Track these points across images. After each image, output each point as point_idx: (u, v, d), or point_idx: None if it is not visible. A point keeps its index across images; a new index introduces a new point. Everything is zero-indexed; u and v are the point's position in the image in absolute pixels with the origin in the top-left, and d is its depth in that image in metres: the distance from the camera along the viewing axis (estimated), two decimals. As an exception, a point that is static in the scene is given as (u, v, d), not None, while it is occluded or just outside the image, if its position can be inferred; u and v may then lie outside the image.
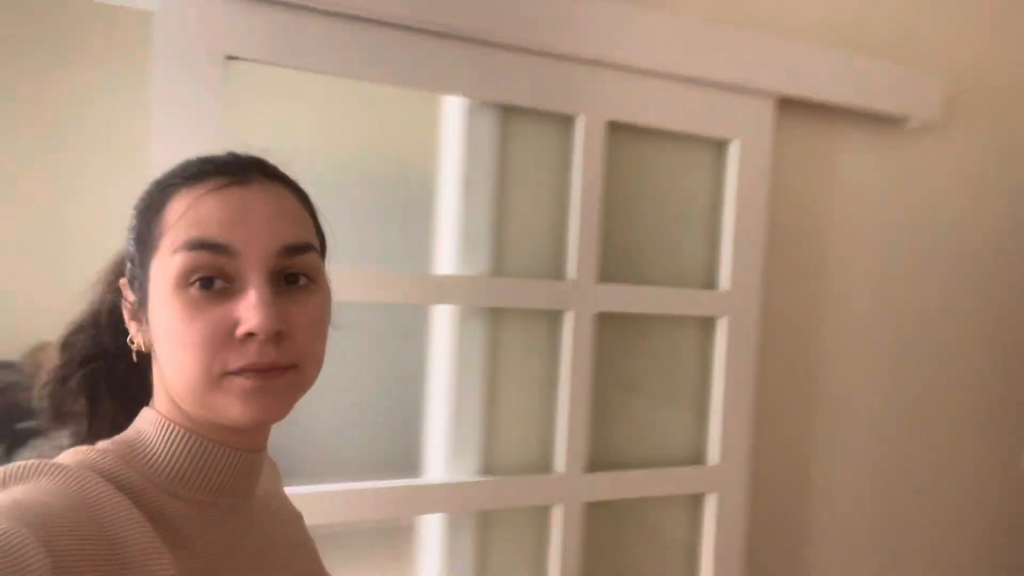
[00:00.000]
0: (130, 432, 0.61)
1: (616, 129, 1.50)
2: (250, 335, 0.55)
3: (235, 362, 0.55)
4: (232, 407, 0.56)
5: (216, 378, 0.55)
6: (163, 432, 0.59)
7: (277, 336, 0.56)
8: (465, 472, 1.39)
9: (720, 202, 1.66)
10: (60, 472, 0.51)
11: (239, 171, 0.59)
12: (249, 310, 0.54)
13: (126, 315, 0.63)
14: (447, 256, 1.42)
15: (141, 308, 0.60)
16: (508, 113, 1.41)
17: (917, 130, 1.93)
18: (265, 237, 0.57)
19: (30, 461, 0.51)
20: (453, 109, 1.40)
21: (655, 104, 1.50)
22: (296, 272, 0.59)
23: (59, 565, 0.44)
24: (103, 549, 0.47)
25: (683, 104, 1.53)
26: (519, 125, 1.43)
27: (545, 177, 1.47)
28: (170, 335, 0.56)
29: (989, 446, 2.17)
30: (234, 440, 0.61)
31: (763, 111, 1.62)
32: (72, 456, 0.56)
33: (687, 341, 1.66)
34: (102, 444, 0.59)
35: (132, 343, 0.62)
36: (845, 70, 1.68)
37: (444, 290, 1.34)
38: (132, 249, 0.61)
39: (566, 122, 1.45)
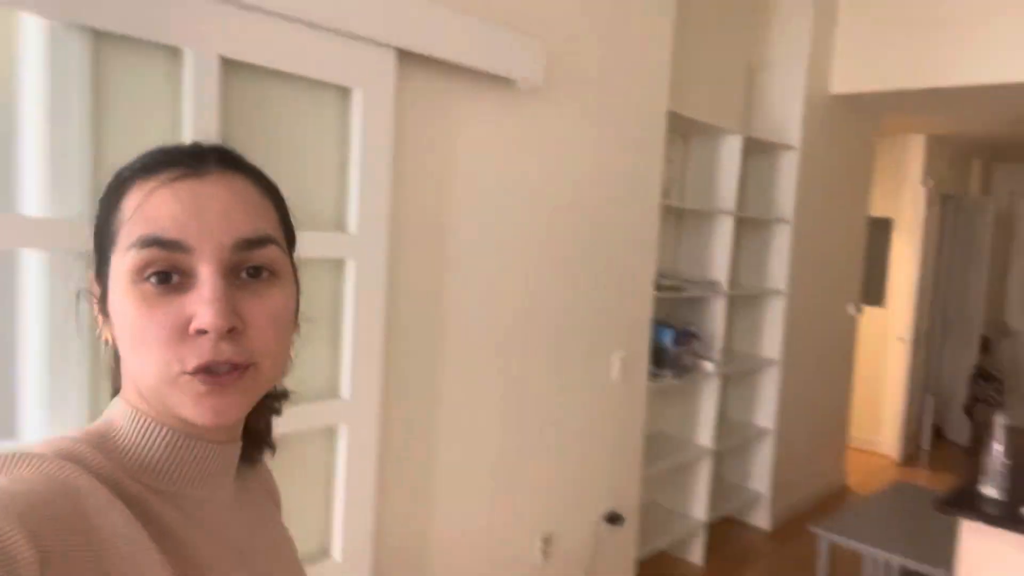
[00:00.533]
0: (101, 423, 0.58)
1: (233, 68, 1.47)
2: (202, 332, 0.53)
3: (191, 361, 0.53)
4: (187, 408, 0.54)
5: (174, 376, 0.53)
6: (135, 423, 0.57)
7: (231, 332, 0.54)
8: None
9: (347, 149, 1.72)
10: (39, 461, 0.49)
11: (195, 162, 0.56)
12: (200, 306, 0.52)
13: (94, 309, 0.59)
14: (34, 195, 1.27)
15: (103, 302, 0.57)
16: (102, 39, 1.29)
17: (525, 92, 2.20)
18: (219, 231, 0.54)
19: (6, 452, 0.49)
20: (33, 30, 1.25)
21: (274, 44, 1.49)
22: (257, 266, 0.56)
23: (45, 557, 0.42)
24: (87, 538, 0.46)
25: (303, 47, 1.55)
26: (116, 54, 1.32)
27: (153, 113, 1.39)
28: (128, 330, 0.54)
29: (586, 361, 2.61)
30: (206, 433, 0.59)
31: (384, 62, 1.71)
32: (47, 446, 0.52)
33: (318, 282, 1.72)
34: (74, 433, 0.55)
35: (99, 336, 0.59)
36: (460, 30, 1.84)
37: (30, 233, 1.21)
38: (95, 241, 0.58)
39: (174, 54, 1.38)
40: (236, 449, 0.63)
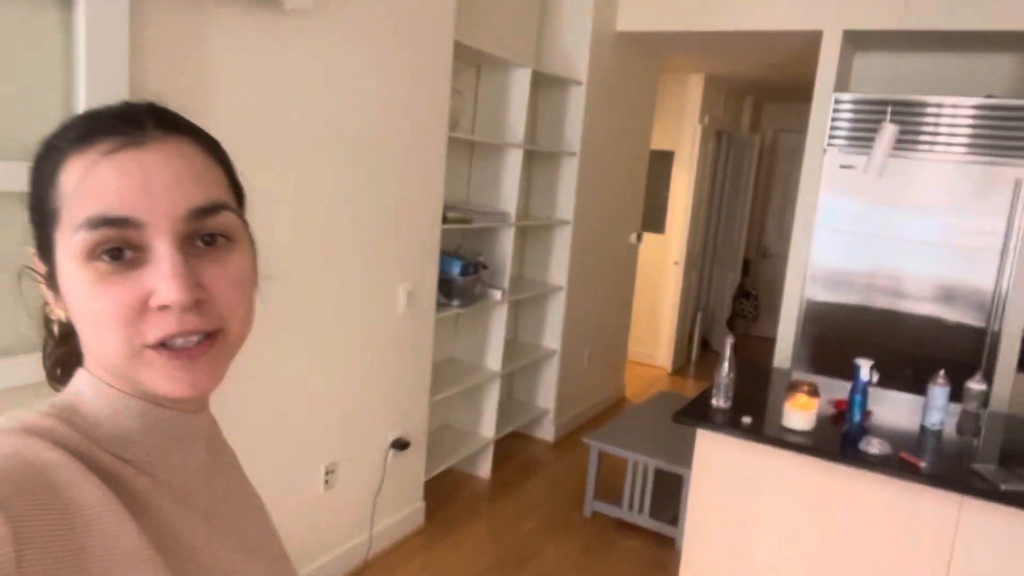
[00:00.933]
0: (68, 395, 0.56)
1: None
2: (165, 307, 0.51)
3: (153, 334, 0.51)
4: (160, 384, 0.52)
5: (137, 351, 0.51)
6: (103, 395, 0.55)
7: (196, 304, 0.52)
8: None
9: (72, 68, 1.55)
10: (3, 437, 0.48)
11: (132, 128, 0.52)
12: (161, 281, 0.50)
13: (41, 285, 0.56)
14: None
15: (51, 279, 0.54)
16: None
17: (293, 13, 2.08)
18: (169, 203, 0.51)
19: None
20: None
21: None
22: (212, 233, 0.54)
23: (18, 532, 0.42)
24: (60, 512, 0.45)
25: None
26: None
27: None
28: (83, 310, 0.51)
29: (372, 293, 2.63)
30: (178, 403, 0.57)
31: (118, -23, 1.53)
32: (11, 420, 0.50)
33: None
34: (41, 407, 0.53)
35: (52, 314, 0.58)
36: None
37: None
38: (33, 216, 0.55)
39: None
40: (207, 417, 0.63)
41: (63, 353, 0.61)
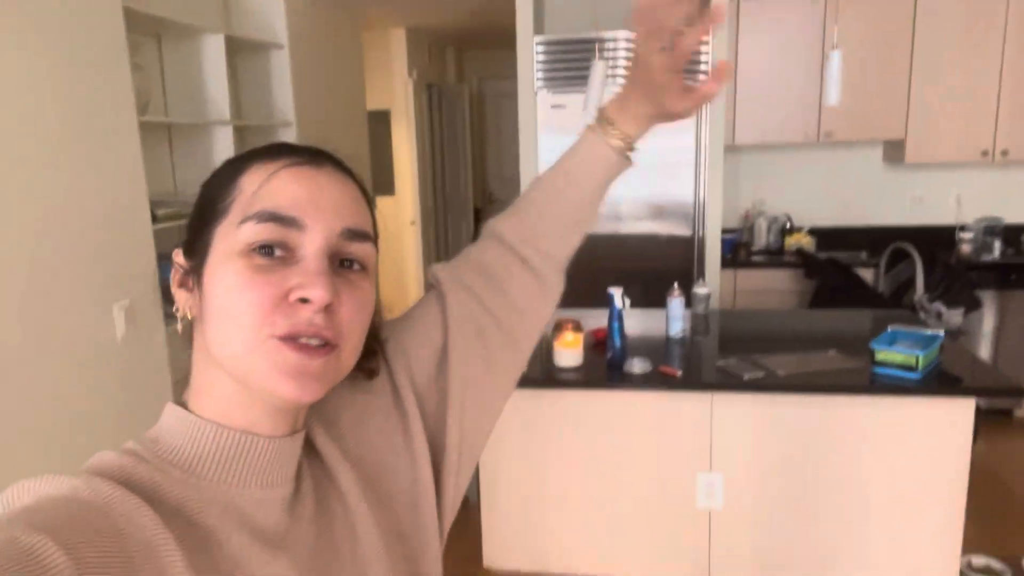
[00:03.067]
0: (154, 428, 0.59)
1: None
2: (303, 301, 0.54)
3: (282, 326, 0.54)
4: (270, 377, 0.54)
5: (262, 340, 0.54)
6: (186, 423, 0.58)
7: (327, 308, 0.55)
8: None
9: None
10: (66, 479, 0.50)
11: (312, 155, 0.60)
12: (307, 277, 0.54)
13: (174, 283, 0.61)
14: None
15: (193, 274, 0.58)
16: None
17: None
18: (331, 216, 0.57)
19: (29, 480, 0.50)
20: None
21: None
22: (352, 258, 0.59)
23: (80, 565, 0.43)
24: (118, 545, 0.46)
25: None
26: None
27: None
28: (227, 298, 0.55)
29: (81, 321, 2.20)
30: (267, 425, 0.58)
31: None
32: (89, 462, 0.54)
33: None
34: (127, 444, 0.57)
35: (176, 312, 0.61)
36: None
37: None
38: (195, 218, 0.60)
39: None
40: (297, 442, 0.61)
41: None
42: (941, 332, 2.23)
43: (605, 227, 3.75)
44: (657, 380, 2.28)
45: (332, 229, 0.57)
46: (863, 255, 4.08)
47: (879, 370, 2.18)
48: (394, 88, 5.61)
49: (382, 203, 5.71)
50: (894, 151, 4.02)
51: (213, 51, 3.10)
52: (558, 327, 2.38)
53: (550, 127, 3.67)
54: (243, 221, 0.55)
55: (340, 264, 0.58)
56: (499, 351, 0.75)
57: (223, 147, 3.16)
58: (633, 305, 3.22)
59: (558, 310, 3.30)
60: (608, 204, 3.71)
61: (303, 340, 0.54)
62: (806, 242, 4.09)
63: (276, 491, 0.59)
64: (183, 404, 0.60)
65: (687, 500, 2.43)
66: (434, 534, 0.68)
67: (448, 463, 0.70)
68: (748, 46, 3.86)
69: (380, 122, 5.61)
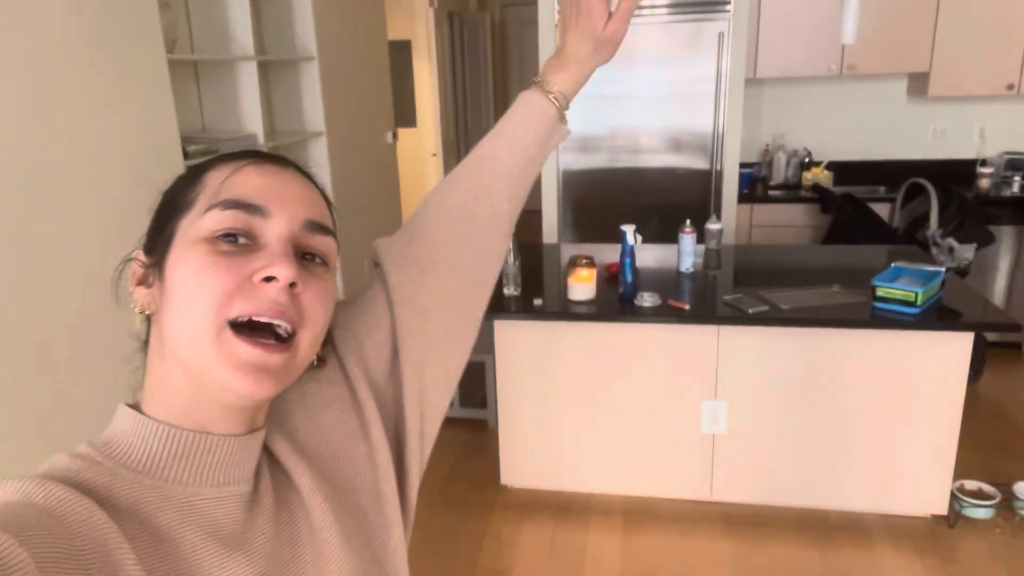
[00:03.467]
0: (106, 432, 0.58)
1: None
2: (268, 280, 0.54)
3: (241, 307, 0.54)
4: (225, 373, 0.54)
5: (219, 327, 0.53)
6: (138, 425, 0.57)
7: (291, 289, 0.55)
8: None
9: None
10: (19, 483, 0.50)
11: (277, 159, 0.62)
12: (271, 258, 0.55)
13: (132, 281, 0.61)
14: None
15: (154, 268, 0.59)
16: None
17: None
18: (295, 206, 0.58)
19: None
20: None
21: None
22: (313, 251, 0.60)
23: (39, 564, 0.43)
24: (71, 547, 0.46)
25: None
26: None
27: None
28: (189, 282, 0.55)
29: (121, 256, 2.35)
30: (221, 424, 0.58)
31: None
32: (41, 468, 0.53)
33: None
34: (79, 447, 0.56)
35: (135, 308, 0.60)
36: None
37: None
38: (157, 215, 0.61)
39: None
40: (256, 441, 0.61)
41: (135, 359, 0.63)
42: (943, 268, 2.29)
43: (623, 160, 3.80)
44: (666, 313, 2.38)
45: (296, 218, 0.58)
46: (881, 190, 4.09)
47: (879, 305, 2.26)
48: (415, 18, 5.56)
49: (403, 135, 5.76)
50: (918, 84, 3.97)
51: None
52: (572, 263, 2.48)
53: (569, 61, 3.67)
54: (209, 209, 0.56)
55: (302, 257, 0.59)
56: (454, 312, 0.74)
57: (248, 82, 3.23)
58: (650, 239, 3.31)
59: (574, 244, 3.40)
60: (627, 136, 3.76)
61: (265, 319, 0.54)
62: (824, 177, 4.10)
63: (232, 490, 0.58)
64: (136, 405, 0.59)
65: (692, 425, 2.58)
66: (396, 519, 0.68)
67: (410, 447, 0.70)
68: (773, -25, 3.78)
69: (401, 52, 5.59)
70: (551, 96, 0.78)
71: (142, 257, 0.61)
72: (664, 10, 3.53)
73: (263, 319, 0.54)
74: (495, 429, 2.75)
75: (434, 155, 5.84)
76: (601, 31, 0.77)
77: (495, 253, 0.79)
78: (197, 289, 0.54)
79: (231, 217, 0.56)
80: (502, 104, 7.27)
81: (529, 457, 2.75)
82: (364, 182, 4.45)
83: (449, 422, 3.42)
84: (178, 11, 3.09)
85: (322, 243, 0.60)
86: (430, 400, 0.72)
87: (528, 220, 5.93)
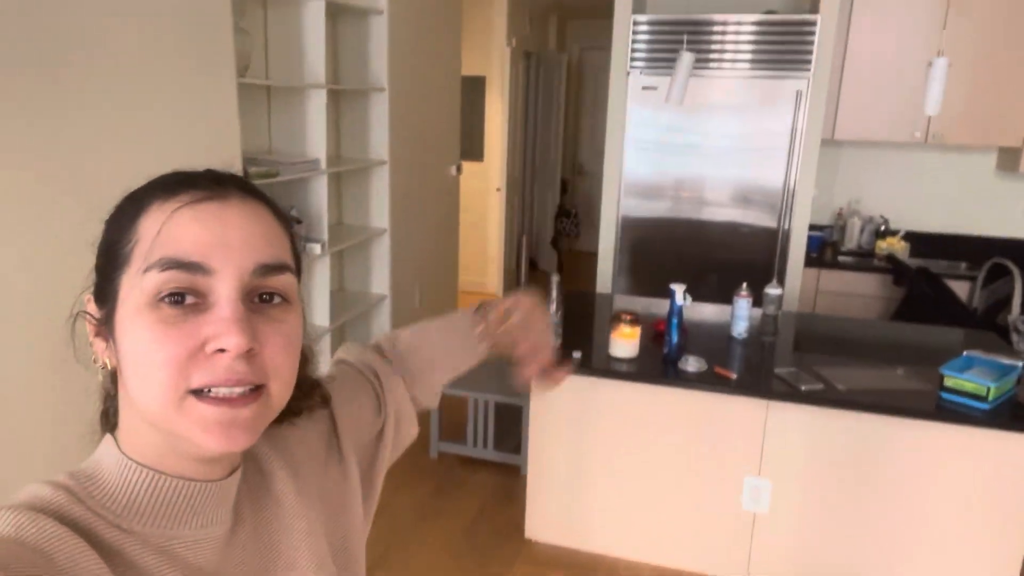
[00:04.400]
0: (90, 463, 0.57)
1: None
2: (220, 351, 0.52)
3: (199, 379, 0.52)
4: (195, 435, 0.52)
5: (180, 397, 0.52)
6: (119, 465, 0.56)
7: (248, 353, 0.53)
8: None
9: None
10: (9, 514, 0.49)
11: (216, 185, 0.56)
12: (220, 325, 0.52)
13: (90, 331, 0.58)
14: None
15: (106, 324, 0.56)
16: None
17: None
18: (240, 255, 0.54)
19: None
20: None
21: None
22: (271, 291, 0.56)
23: None
24: None
25: None
26: None
27: None
28: (139, 353, 0.53)
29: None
30: (201, 471, 0.57)
31: None
32: (22, 495, 0.52)
33: None
34: (60, 478, 0.54)
35: (96, 362, 0.58)
36: None
37: None
38: (100, 262, 0.57)
39: None
40: (234, 483, 0.60)
41: (108, 404, 0.62)
42: (1019, 364, 2.10)
43: (686, 211, 3.69)
44: (711, 380, 2.26)
45: (244, 268, 0.54)
46: (961, 267, 3.85)
47: (946, 396, 2.09)
48: (491, 54, 5.61)
49: (469, 168, 5.79)
50: (1008, 159, 3.75)
51: (314, 16, 3.20)
52: (616, 317, 2.39)
53: (639, 104, 3.61)
54: (146, 270, 0.52)
55: (260, 299, 0.55)
56: (408, 426, 0.88)
57: (316, 109, 3.28)
58: (707, 296, 3.18)
59: (626, 295, 3.29)
60: (692, 187, 3.66)
61: (224, 392, 0.52)
62: (900, 247, 3.89)
63: (212, 531, 0.59)
64: (117, 441, 0.58)
65: (732, 501, 2.42)
66: (363, 565, 0.74)
67: (370, 508, 0.79)
68: (860, 33, 3.65)
69: (474, 88, 5.64)
70: (485, 346, 0.93)
71: (93, 308, 0.58)
72: (744, 64, 3.44)
73: (222, 391, 0.52)
74: (524, 477, 2.66)
75: (498, 190, 5.84)
76: (523, 377, 0.93)
77: (441, 383, 0.96)
78: (149, 363, 0.52)
79: (171, 279, 0.52)
80: (571, 144, 7.25)
81: (557, 512, 2.64)
82: (424, 212, 4.46)
83: (481, 464, 3.34)
84: (255, 37, 3.17)
85: (278, 282, 0.56)
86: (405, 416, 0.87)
87: (583, 262, 5.87)
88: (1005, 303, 3.23)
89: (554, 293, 2.47)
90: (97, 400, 0.63)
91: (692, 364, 2.29)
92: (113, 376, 0.58)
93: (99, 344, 0.57)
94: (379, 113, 3.85)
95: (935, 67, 2.24)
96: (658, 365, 2.37)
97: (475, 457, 3.35)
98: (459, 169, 4.93)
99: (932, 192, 4.02)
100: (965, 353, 2.19)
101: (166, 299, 0.52)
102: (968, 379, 2.04)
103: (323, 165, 3.33)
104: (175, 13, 2.28)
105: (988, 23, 3.47)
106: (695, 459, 2.43)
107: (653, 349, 2.49)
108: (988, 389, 1.99)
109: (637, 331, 2.37)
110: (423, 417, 3.17)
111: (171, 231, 0.53)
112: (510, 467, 3.31)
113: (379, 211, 3.99)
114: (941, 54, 2.25)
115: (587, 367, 2.37)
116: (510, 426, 3.46)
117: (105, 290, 0.56)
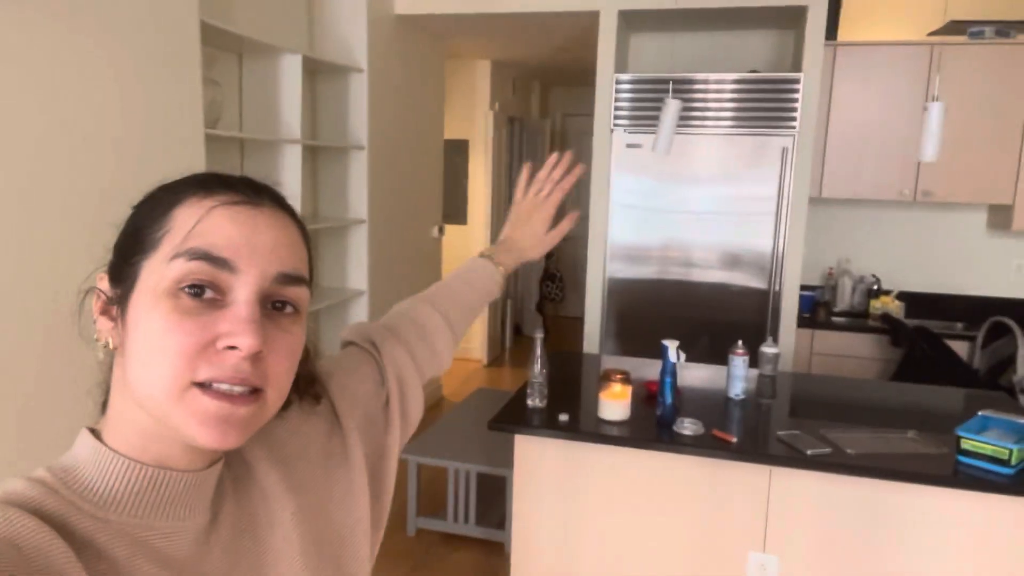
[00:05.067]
0: (67, 457, 0.57)
1: None
2: (230, 348, 0.53)
3: (206, 372, 0.53)
4: (190, 426, 0.53)
5: (183, 388, 0.53)
6: (98, 456, 0.56)
7: (256, 355, 0.54)
8: None
9: None
10: None
11: (253, 192, 0.59)
12: (236, 324, 0.53)
13: (96, 308, 0.59)
14: None
15: (118, 305, 0.57)
16: None
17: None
18: (266, 260, 0.56)
19: None
20: None
21: None
22: (285, 300, 0.58)
23: None
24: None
25: None
26: None
27: None
28: (151, 338, 0.54)
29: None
30: (182, 460, 0.58)
31: None
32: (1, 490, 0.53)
33: None
34: (37, 473, 0.55)
35: (99, 340, 0.58)
36: None
37: None
38: (123, 243, 0.58)
39: None
40: (214, 474, 0.60)
41: (102, 383, 0.62)
42: (1041, 424, 1.95)
43: (674, 273, 3.58)
44: (709, 444, 2.08)
45: (266, 273, 0.56)
46: (958, 326, 3.74)
47: (965, 460, 1.92)
48: (474, 118, 5.60)
49: (452, 230, 5.69)
50: (1000, 217, 3.69)
51: (290, 71, 3.13)
52: (605, 376, 2.23)
53: (624, 165, 3.55)
54: (174, 257, 0.54)
55: (272, 306, 0.57)
56: (413, 389, 0.85)
57: (291, 165, 3.18)
58: (698, 358, 3.03)
59: (615, 356, 3.13)
60: (679, 248, 3.55)
61: (226, 388, 0.53)
62: (894, 307, 3.78)
63: (189, 523, 0.59)
64: (97, 432, 0.58)
65: (735, 580, 2.21)
66: (365, 565, 0.72)
67: (385, 493, 0.77)
68: (843, 94, 3.64)
69: (458, 151, 5.61)
70: (500, 268, 1.01)
71: (106, 286, 0.59)
72: (728, 123, 3.39)
73: (223, 387, 0.53)
74: (508, 552, 2.43)
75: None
76: (538, 239, 1.06)
77: (451, 350, 0.94)
78: (160, 349, 0.53)
79: (197, 269, 0.54)
80: (558, 209, 7.19)
81: (543, 595, 2.40)
82: (404, 273, 4.33)
83: (462, 541, 3.10)
84: (230, 88, 3.08)
85: (294, 293, 0.59)
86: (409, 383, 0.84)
87: (568, 326, 5.73)
88: (1008, 363, 3.10)
89: (538, 351, 2.31)
90: (98, 391, 0.62)
91: (688, 427, 2.12)
92: (109, 361, 0.59)
93: (104, 323, 0.58)
94: (358, 171, 3.76)
95: (931, 111, 2.17)
96: (652, 428, 2.19)
97: (456, 533, 3.11)
98: (441, 231, 4.82)
99: (923, 251, 3.95)
100: (980, 413, 2.04)
101: (187, 289, 0.53)
102: (987, 441, 1.88)
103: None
104: (142, 55, 2.18)
105: (975, 78, 3.47)
106: (694, 532, 2.23)
107: (645, 411, 2.32)
108: (1011, 452, 1.83)
109: (628, 390, 2.20)
110: (400, 491, 2.95)
111: (206, 225, 0.55)
112: (494, 544, 3.07)
113: (357, 271, 3.85)
114: (936, 99, 2.18)
115: (575, 431, 2.19)
116: (494, 498, 3.23)
117: (123, 271, 0.57)
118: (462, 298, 0.95)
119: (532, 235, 1.05)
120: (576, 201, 7.14)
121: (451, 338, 0.92)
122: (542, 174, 1.07)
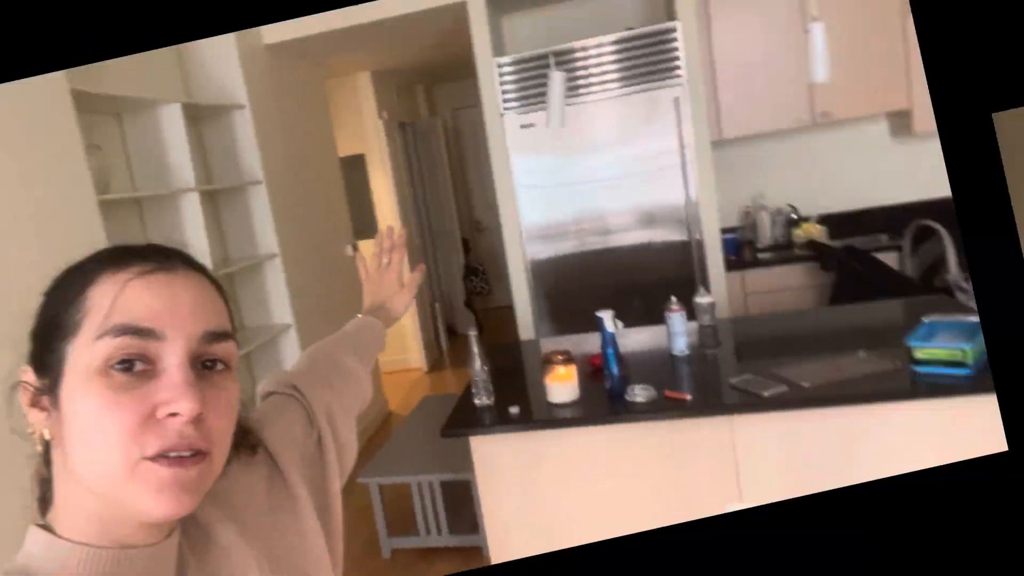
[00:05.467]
0: (19, 559, 0.57)
1: None
2: (172, 415, 0.54)
3: (152, 446, 0.53)
4: (146, 499, 0.54)
5: (133, 464, 0.53)
6: (53, 549, 0.56)
7: (197, 418, 0.55)
8: None
9: None
10: None
11: (163, 258, 0.59)
12: (172, 391, 0.54)
13: (25, 401, 0.59)
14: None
15: (48, 394, 0.57)
16: None
17: None
18: (189, 323, 0.57)
19: None
20: None
21: None
22: (214, 358, 0.59)
23: None
24: None
25: None
26: None
27: None
28: (90, 421, 0.54)
29: None
30: (141, 536, 0.58)
31: None
32: None
33: None
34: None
35: (33, 433, 0.59)
36: None
37: None
38: (41, 331, 0.59)
39: None
40: (174, 542, 0.61)
41: (44, 488, 0.60)
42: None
43: (593, 243, 3.49)
44: (665, 407, 1.99)
45: (192, 335, 0.57)
46: (883, 238, 3.76)
47: (922, 369, 1.88)
48: (366, 131, 5.42)
49: (366, 246, 5.48)
50: (900, 123, 3.74)
51: (172, 121, 2.97)
52: (547, 360, 2.10)
53: (521, 147, 3.44)
54: (99, 337, 0.54)
55: (203, 365, 0.58)
56: (344, 422, 0.86)
57: (192, 214, 3.01)
58: (635, 322, 2.94)
59: (552, 338, 3.00)
60: (594, 217, 3.46)
61: (174, 454, 0.53)
62: (817, 232, 3.79)
63: None
64: (47, 526, 0.58)
65: (719, 539, 2.12)
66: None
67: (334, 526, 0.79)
68: (722, 32, 3.61)
69: (355, 167, 5.42)
70: (383, 322, 1.08)
71: (31, 378, 0.59)
72: (615, 85, 3.32)
73: (172, 454, 0.53)
74: (488, 556, 2.31)
75: (401, 261, 5.55)
76: (397, 294, 1.12)
77: (362, 373, 0.98)
78: (101, 430, 0.53)
79: (124, 344, 0.54)
80: (464, 203, 7.07)
81: (529, 600, 2.26)
82: (324, 296, 4.13)
83: (439, 553, 2.95)
84: (114, 150, 2.88)
85: (222, 350, 0.59)
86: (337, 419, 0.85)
87: (501, 317, 5.56)
88: (939, 265, 3.12)
89: (475, 348, 2.17)
90: (34, 485, 0.61)
91: (640, 394, 2.01)
92: (46, 453, 0.59)
93: (35, 415, 0.58)
94: (260, 206, 3.59)
95: (813, 33, 2.13)
96: (604, 402, 2.08)
97: (432, 547, 2.97)
98: (355, 247, 4.63)
99: (834, 171, 3.97)
100: (924, 320, 2.00)
101: (117, 366, 0.54)
102: (940, 346, 1.84)
103: (209, 269, 2.99)
104: (20, 137, 1.97)
105: (843, -2, 3.49)
106: (669, 496, 2.13)
107: (594, 387, 2.21)
108: (965, 352, 1.79)
109: (573, 370, 2.09)
110: (367, 515, 2.74)
111: (125, 299, 0.55)
112: (471, 549, 2.93)
113: (280, 305, 3.66)
114: (816, 19, 2.14)
115: (528, 421, 2.07)
116: (462, 504, 3.09)
117: (47, 359, 0.57)
118: (361, 338, 1.02)
119: (391, 293, 1.11)
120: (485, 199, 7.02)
121: (365, 370, 0.97)
122: (378, 250, 1.14)
